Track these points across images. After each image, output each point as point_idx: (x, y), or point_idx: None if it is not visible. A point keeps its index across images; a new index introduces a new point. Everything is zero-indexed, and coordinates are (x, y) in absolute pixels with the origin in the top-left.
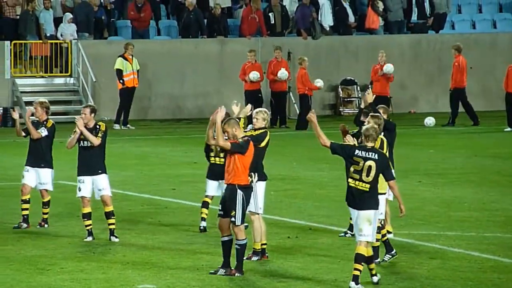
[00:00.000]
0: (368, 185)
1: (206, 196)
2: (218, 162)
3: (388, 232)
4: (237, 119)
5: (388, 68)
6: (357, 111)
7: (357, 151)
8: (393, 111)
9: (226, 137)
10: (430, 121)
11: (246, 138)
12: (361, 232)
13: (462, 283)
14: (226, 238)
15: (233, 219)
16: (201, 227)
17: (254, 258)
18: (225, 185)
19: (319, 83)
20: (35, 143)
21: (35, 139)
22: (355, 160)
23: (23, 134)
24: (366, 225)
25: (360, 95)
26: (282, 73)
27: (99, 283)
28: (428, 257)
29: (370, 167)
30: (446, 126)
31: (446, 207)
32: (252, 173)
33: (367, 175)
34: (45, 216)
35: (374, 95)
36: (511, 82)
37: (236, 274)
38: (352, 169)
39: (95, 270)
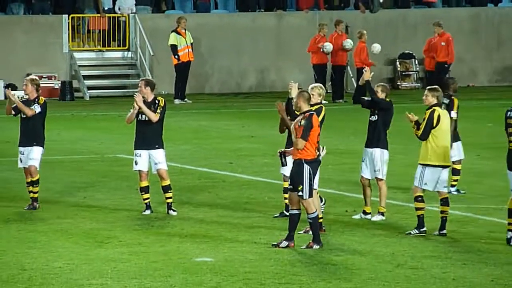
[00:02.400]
0: None
1: None
2: None
3: (380, 212)
4: (308, 93)
5: (376, 48)
6: (415, 84)
7: (509, 113)
8: None
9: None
10: (375, 48)
11: (308, 113)
12: None
13: None
14: (294, 212)
15: (300, 193)
16: None
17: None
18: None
19: (375, 48)
20: (27, 122)
21: (28, 117)
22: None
23: (13, 112)
24: None
25: (418, 68)
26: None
27: (157, 256)
28: (487, 231)
29: None
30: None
31: (505, 181)
32: (321, 146)
33: None
34: (35, 195)
35: (372, 73)
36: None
37: (314, 246)
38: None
39: (153, 243)
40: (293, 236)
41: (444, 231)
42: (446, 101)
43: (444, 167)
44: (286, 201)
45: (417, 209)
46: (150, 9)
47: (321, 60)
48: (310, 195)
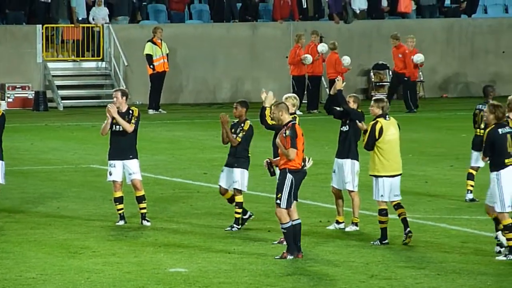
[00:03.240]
0: None
1: None
2: None
3: (353, 223)
4: (286, 104)
5: (346, 60)
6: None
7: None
8: (425, 95)
9: (271, 118)
10: (345, 61)
11: (291, 123)
12: None
13: (495, 267)
14: (296, 222)
15: (278, 201)
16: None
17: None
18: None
19: (345, 60)
20: None
21: None
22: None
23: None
24: None
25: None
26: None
27: (131, 266)
28: (460, 242)
29: None
30: (409, 113)
31: (478, 192)
32: (307, 157)
33: None
34: None
35: (344, 83)
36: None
37: (288, 257)
38: None
39: (127, 253)
40: (299, 248)
41: (408, 229)
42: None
43: (393, 176)
44: (237, 215)
45: (380, 222)
46: (127, 19)
47: (300, 71)
48: (288, 206)
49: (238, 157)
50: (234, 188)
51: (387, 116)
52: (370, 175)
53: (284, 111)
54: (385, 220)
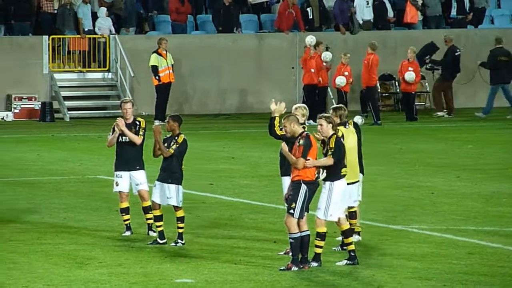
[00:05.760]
0: None
1: None
2: None
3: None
4: (296, 116)
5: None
6: (393, 105)
7: None
8: (431, 106)
9: (284, 132)
10: (359, 120)
11: (305, 133)
12: None
13: (501, 278)
14: (305, 233)
15: (291, 211)
16: None
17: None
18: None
19: (326, 56)
20: None
21: None
22: None
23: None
24: None
25: (398, 90)
26: (326, 55)
27: (138, 277)
28: (467, 253)
29: None
30: (374, 125)
31: (484, 203)
32: (320, 169)
33: None
34: None
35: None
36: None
37: (293, 268)
38: None
39: (133, 264)
40: (306, 258)
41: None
42: None
43: (352, 183)
44: (180, 230)
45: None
46: (134, 30)
47: (311, 80)
48: (301, 216)
49: (173, 171)
50: (169, 204)
51: (346, 124)
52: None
53: (295, 123)
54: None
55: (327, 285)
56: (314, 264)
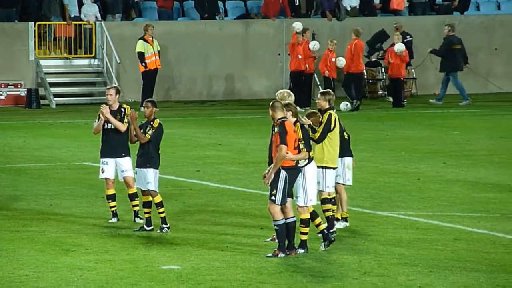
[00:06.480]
0: None
1: None
2: None
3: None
4: (281, 103)
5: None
6: (381, 92)
7: None
8: (417, 93)
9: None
10: (345, 106)
11: (280, 120)
12: None
13: (487, 264)
14: (290, 220)
15: (273, 197)
16: None
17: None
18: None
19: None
20: None
21: None
22: None
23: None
24: None
25: (384, 76)
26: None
27: (124, 264)
28: (453, 239)
29: None
30: (354, 112)
31: (470, 189)
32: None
33: None
34: None
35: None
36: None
37: (280, 255)
38: None
39: (119, 251)
40: (293, 245)
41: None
42: None
43: (335, 168)
44: (162, 215)
45: (325, 210)
46: (120, 17)
47: (298, 66)
48: (283, 202)
49: (151, 156)
50: (149, 189)
51: (333, 109)
52: (320, 166)
53: (278, 109)
54: (329, 208)
55: (313, 271)
56: (301, 250)
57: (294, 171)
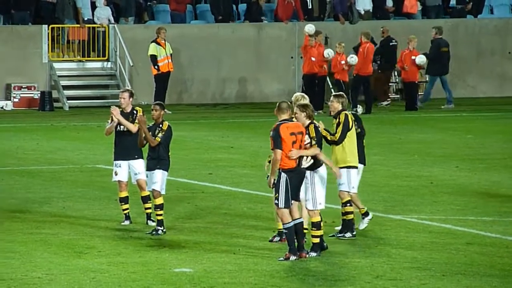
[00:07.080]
0: None
1: None
2: None
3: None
4: (288, 104)
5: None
6: (394, 95)
7: None
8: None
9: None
10: (359, 109)
11: (276, 124)
12: None
13: (500, 268)
14: (298, 221)
15: (276, 201)
16: None
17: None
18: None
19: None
20: None
21: None
22: None
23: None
24: None
25: (397, 80)
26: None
27: (136, 266)
28: (466, 243)
29: None
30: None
31: (484, 193)
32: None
33: None
34: None
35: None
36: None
37: (291, 258)
38: None
39: (132, 253)
40: (297, 247)
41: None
42: None
43: (357, 167)
44: (159, 217)
45: (348, 213)
46: (133, 20)
47: (311, 69)
48: (287, 205)
49: (161, 159)
50: (153, 189)
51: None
52: (345, 167)
53: (280, 111)
54: (352, 211)
55: (326, 274)
56: (313, 254)
57: (294, 174)
